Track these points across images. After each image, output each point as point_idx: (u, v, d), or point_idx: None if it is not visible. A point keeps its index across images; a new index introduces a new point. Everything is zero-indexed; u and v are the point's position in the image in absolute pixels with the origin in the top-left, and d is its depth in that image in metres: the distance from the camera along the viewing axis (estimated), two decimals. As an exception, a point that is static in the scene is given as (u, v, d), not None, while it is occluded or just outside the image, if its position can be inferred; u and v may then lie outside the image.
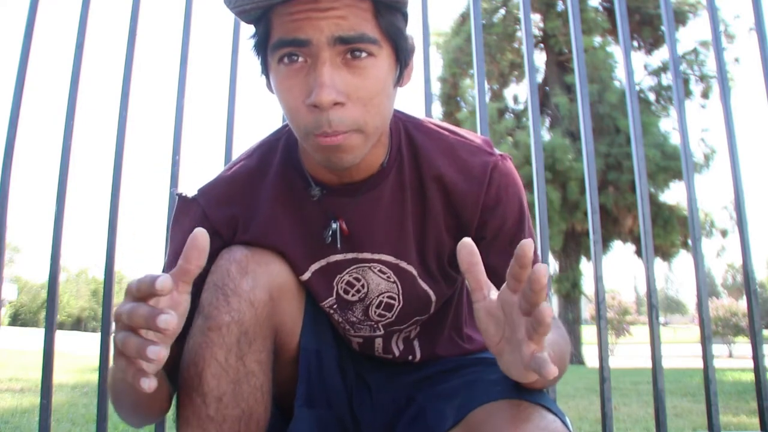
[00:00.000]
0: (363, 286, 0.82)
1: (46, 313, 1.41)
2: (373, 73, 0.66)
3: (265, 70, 0.71)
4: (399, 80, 0.72)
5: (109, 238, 1.41)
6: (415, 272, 0.82)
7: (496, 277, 0.84)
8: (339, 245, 0.79)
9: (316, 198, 0.78)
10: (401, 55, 0.70)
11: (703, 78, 12.33)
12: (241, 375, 0.70)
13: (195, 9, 1.55)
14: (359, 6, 0.64)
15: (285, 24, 0.64)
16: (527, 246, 0.54)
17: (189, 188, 0.84)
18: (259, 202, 0.80)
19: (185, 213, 0.82)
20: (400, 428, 0.82)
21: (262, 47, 0.69)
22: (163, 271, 0.82)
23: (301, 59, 0.65)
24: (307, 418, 0.78)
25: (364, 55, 0.65)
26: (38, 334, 17.37)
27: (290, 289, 0.79)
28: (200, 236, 0.58)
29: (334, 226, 0.78)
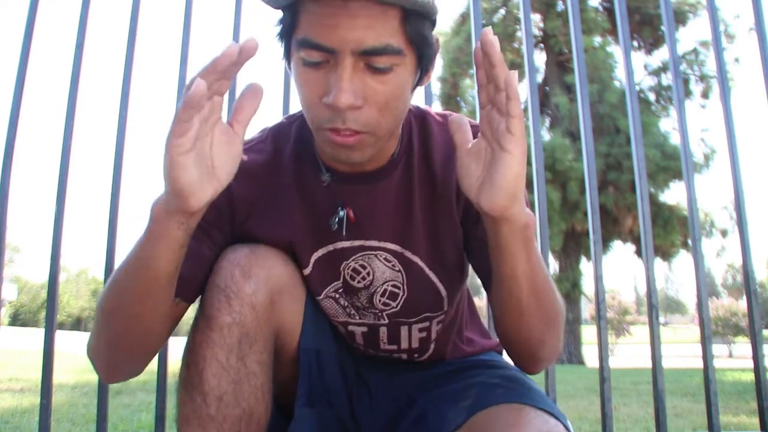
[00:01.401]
0: (368, 273, 0.83)
1: (46, 313, 1.41)
2: (394, 81, 0.66)
3: (287, 55, 0.71)
4: (418, 83, 0.73)
5: (109, 238, 1.41)
6: (422, 263, 0.82)
7: (483, 252, 0.84)
8: (344, 232, 0.79)
9: (326, 183, 0.79)
10: (424, 62, 0.70)
11: (703, 78, 12.33)
12: (241, 375, 0.71)
13: (195, 9, 1.55)
14: (388, 13, 0.63)
15: (312, 24, 0.64)
16: (486, 33, 0.59)
17: None
18: (274, 188, 0.81)
19: None
20: (401, 431, 0.82)
21: (286, 34, 0.69)
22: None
23: (323, 60, 0.65)
24: (307, 417, 0.78)
25: (386, 66, 0.65)
26: (38, 334, 17.37)
27: (291, 289, 0.79)
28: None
29: (341, 213, 0.79)
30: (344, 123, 0.65)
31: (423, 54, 0.69)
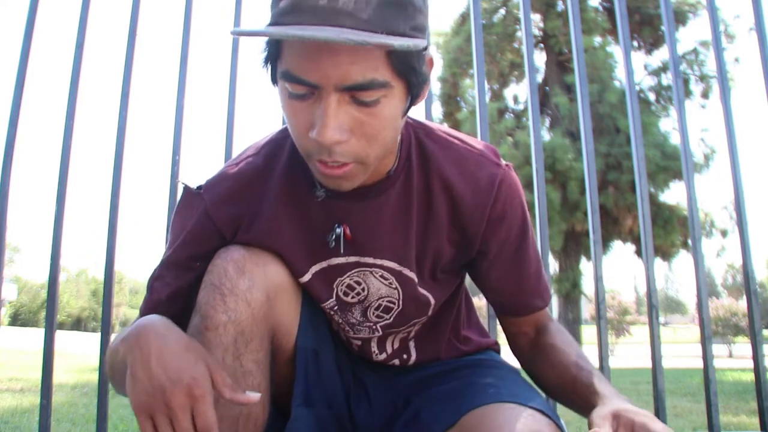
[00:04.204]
0: (363, 289, 0.82)
1: (46, 313, 1.41)
2: (381, 112, 0.64)
3: (273, 79, 0.69)
4: (410, 106, 0.70)
5: (109, 238, 1.41)
6: (416, 278, 0.82)
7: (500, 292, 0.87)
8: (342, 250, 0.79)
9: (321, 199, 0.78)
10: (414, 89, 0.67)
11: (703, 78, 12.32)
12: (238, 375, 0.71)
13: (195, 9, 1.55)
14: (370, 48, 0.60)
15: (294, 56, 0.61)
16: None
17: (194, 179, 0.84)
18: (264, 201, 0.80)
19: (188, 206, 0.82)
20: (397, 430, 0.83)
21: (272, 61, 0.67)
22: (162, 263, 0.82)
23: (307, 92, 0.63)
24: (304, 417, 0.78)
25: (372, 99, 0.62)
26: (38, 334, 17.37)
27: (287, 289, 0.79)
28: None
29: (338, 230, 0.78)
30: (330, 156, 0.64)
31: (411, 83, 0.66)
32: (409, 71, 0.64)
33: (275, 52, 0.65)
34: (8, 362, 5.94)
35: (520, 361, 0.92)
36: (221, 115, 1.49)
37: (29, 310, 41.45)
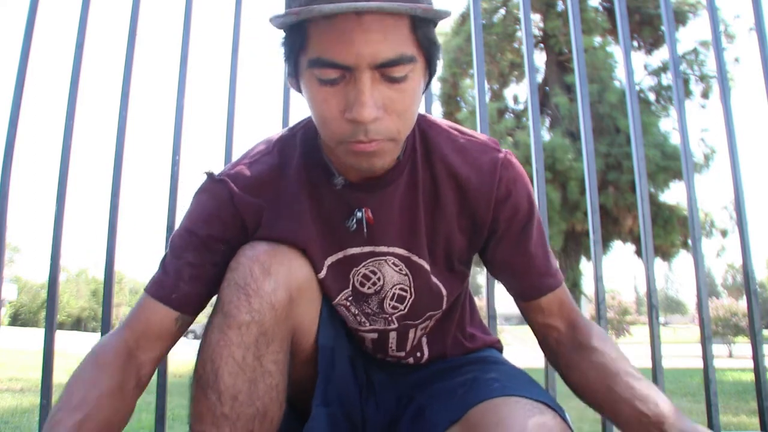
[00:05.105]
0: (379, 279, 0.83)
1: (46, 313, 1.41)
2: (410, 87, 0.67)
3: (295, 73, 0.71)
4: (427, 86, 0.74)
5: (109, 238, 1.41)
6: (427, 267, 0.83)
7: (510, 270, 0.87)
8: (365, 234, 0.80)
9: (339, 187, 0.79)
10: (432, 64, 0.71)
11: (703, 78, 12.33)
12: (257, 374, 0.71)
13: (195, 9, 1.55)
14: (398, 22, 0.64)
15: (325, 42, 0.64)
16: None
17: (218, 169, 0.85)
18: (283, 196, 0.81)
19: (210, 191, 0.82)
20: (402, 427, 0.83)
21: (295, 54, 0.69)
22: (178, 242, 0.81)
23: (339, 76, 0.65)
24: (323, 416, 0.78)
25: (401, 75, 0.66)
26: (38, 334, 17.36)
27: (309, 288, 0.79)
28: None
29: (359, 215, 0.79)
30: (367, 135, 0.66)
31: (432, 56, 0.70)
32: (430, 45, 0.69)
33: (300, 43, 0.67)
34: (8, 362, 5.94)
35: (555, 367, 0.90)
36: (221, 115, 1.49)
37: (29, 310, 41.46)
